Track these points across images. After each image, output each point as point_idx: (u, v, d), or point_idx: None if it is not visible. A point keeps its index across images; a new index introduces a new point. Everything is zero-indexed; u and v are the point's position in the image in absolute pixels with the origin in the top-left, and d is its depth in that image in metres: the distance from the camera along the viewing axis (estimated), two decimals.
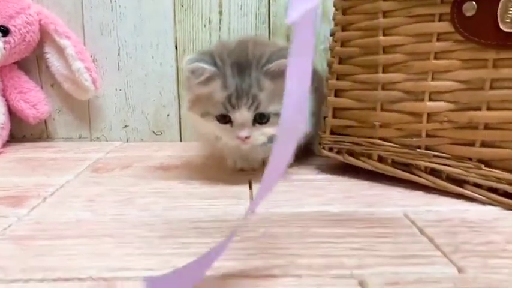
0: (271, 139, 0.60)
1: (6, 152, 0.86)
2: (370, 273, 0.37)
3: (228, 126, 0.59)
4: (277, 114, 0.56)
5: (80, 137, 0.98)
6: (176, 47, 0.94)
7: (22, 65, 0.93)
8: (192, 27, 0.93)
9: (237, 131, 0.59)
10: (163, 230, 0.47)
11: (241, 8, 0.93)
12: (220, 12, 0.93)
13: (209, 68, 0.56)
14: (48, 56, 0.91)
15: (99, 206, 0.54)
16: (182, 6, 0.92)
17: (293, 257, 0.40)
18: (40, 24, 0.88)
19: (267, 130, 0.59)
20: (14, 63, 0.91)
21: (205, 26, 0.93)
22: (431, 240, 0.44)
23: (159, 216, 0.51)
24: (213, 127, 0.60)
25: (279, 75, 0.56)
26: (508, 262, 0.39)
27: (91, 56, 0.93)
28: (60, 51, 0.90)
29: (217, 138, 0.62)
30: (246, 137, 0.58)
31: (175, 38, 0.94)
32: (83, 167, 0.74)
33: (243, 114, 0.58)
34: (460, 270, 0.38)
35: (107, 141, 0.98)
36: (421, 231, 0.46)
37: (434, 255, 0.41)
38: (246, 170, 0.68)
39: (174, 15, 0.93)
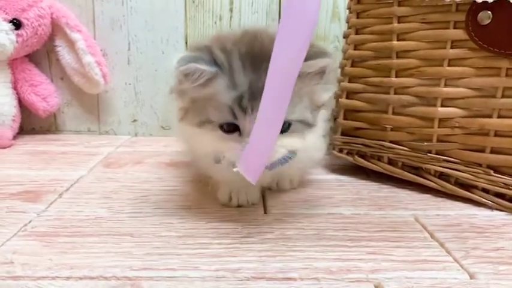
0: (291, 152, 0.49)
1: (17, 144, 0.87)
2: (386, 277, 0.39)
3: (235, 135, 0.46)
4: (301, 121, 0.47)
5: (88, 130, 0.99)
6: (186, 43, 0.94)
7: (32, 57, 0.94)
8: (202, 24, 0.94)
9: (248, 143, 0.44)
10: (181, 230, 0.48)
11: (252, 5, 0.93)
12: (231, 9, 0.93)
13: (209, 69, 0.44)
14: (59, 49, 0.91)
15: (116, 203, 0.56)
16: (193, 2, 0.92)
17: (310, 260, 0.41)
18: (52, 18, 0.88)
19: (288, 141, 0.47)
20: (25, 56, 0.91)
21: (215, 23, 0.94)
22: (442, 245, 0.45)
23: (175, 214, 0.52)
24: (213, 140, 0.47)
25: (307, 75, 0.45)
26: None
27: (101, 50, 0.93)
28: (71, 44, 0.90)
29: (215, 159, 0.49)
30: None
31: (186, 34, 0.94)
32: (95, 161, 0.75)
33: None
34: (471, 276, 0.39)
35: (115, 135, 0.98)
36: (432, 236, 0.48)
37: (446, 260, 0.42)
38: (244, 206, 0.55)
39: (185, 12, 0.93)
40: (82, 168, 0.71)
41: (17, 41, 0.84)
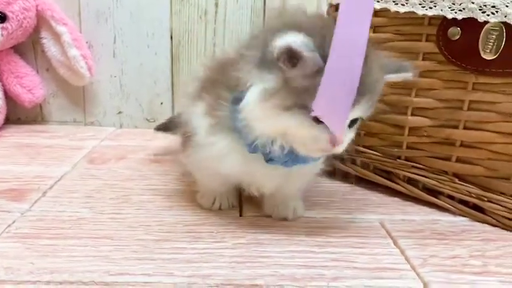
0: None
1: (2, 136, 0.88)
2: (346, 285, 0.42)
3: (322, 126, 0.43)
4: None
5: (74, 121, 1.00)
6: (171, 37, 0.95)
7: (18, 48, 0.94)
8: (187, 18, 0.95)
9: (334, 134, 0.44)
10: (159, 233, 0.50)
11: (237, 1, 0.94)
12: (217, 4, 0.94)
13: (319, 61, 0.41)
14: (44, 41, 0.92)
15: (98, 203, 0.58)
16: None
17: (278, 266, 0.44)
18: (37, 10, 0.89)
19: (351, 136, 0.48)
20: (11, 47, 0.91)
21: (200, 17, 0.95)
22: (402, 252, 0.49)
23: (154, 216, 0.55)
24: (299, 126, 0.44)
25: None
26: (469, 278, 0.44)
27: (87, 43, 0.94)
28: (57, 37, 0.90)
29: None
30: None
31: (171, 28, 0.95)
32: (79, 156, 0.77)
33: (355, 114, 0.45)
34: (425, 285, 0.43)
35: (100, 126, 1.00)
36: (395, 243, 0.51)
37: (404, 268, 0.45)
38: (224, 210, 0.58)
39: (171, 5, 0.94)
40: (66, 164, 0.73)
41: (1, 34, 0.85)
